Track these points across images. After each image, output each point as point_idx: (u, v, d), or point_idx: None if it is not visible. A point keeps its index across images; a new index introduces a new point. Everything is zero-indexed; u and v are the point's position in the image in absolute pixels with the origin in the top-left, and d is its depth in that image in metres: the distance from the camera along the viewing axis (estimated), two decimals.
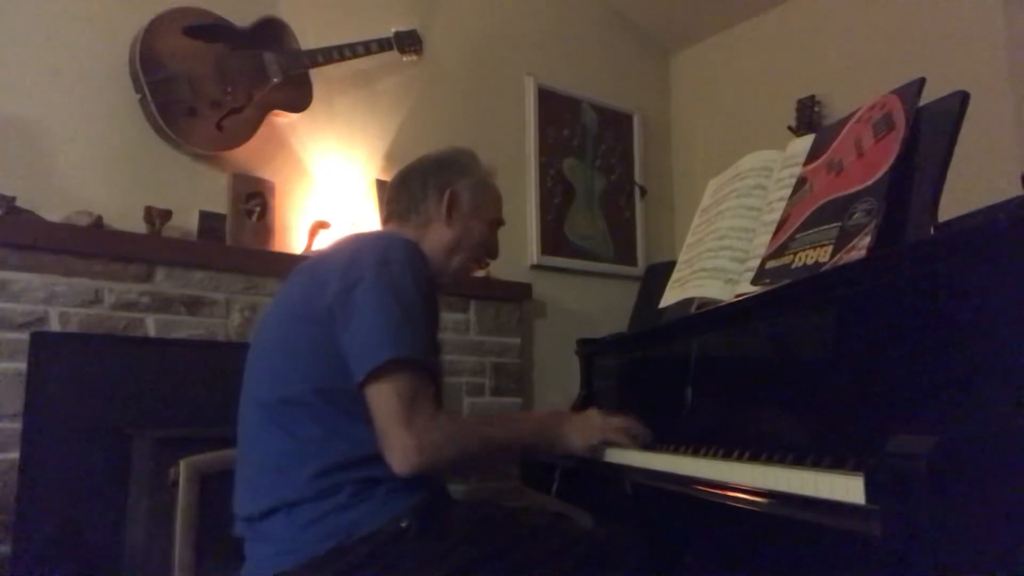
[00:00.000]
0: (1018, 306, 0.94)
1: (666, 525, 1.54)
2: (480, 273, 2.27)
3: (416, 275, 1.27)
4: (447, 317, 2.51)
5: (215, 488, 1.64)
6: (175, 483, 1.67)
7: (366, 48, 2.49)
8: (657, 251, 3.26)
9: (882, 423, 1.03)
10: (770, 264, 1.48)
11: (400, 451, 1.16)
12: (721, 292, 1.63)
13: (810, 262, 1.35)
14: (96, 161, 2.06)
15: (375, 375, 1.18)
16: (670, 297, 1.84)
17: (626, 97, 3.32)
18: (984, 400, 0.92)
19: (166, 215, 2.04)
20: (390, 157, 2.58)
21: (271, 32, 2.32)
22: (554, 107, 3.06)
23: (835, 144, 1.47)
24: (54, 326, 1.85)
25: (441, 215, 1.47)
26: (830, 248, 1.31)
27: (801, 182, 1.53)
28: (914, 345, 1.07)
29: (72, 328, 1.87)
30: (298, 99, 2.36)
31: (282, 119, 2.36)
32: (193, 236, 2.13)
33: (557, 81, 3.08)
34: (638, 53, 3.43)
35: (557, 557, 1.25)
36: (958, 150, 1.23)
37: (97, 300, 1.91)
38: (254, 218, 2.23)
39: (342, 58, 2.44)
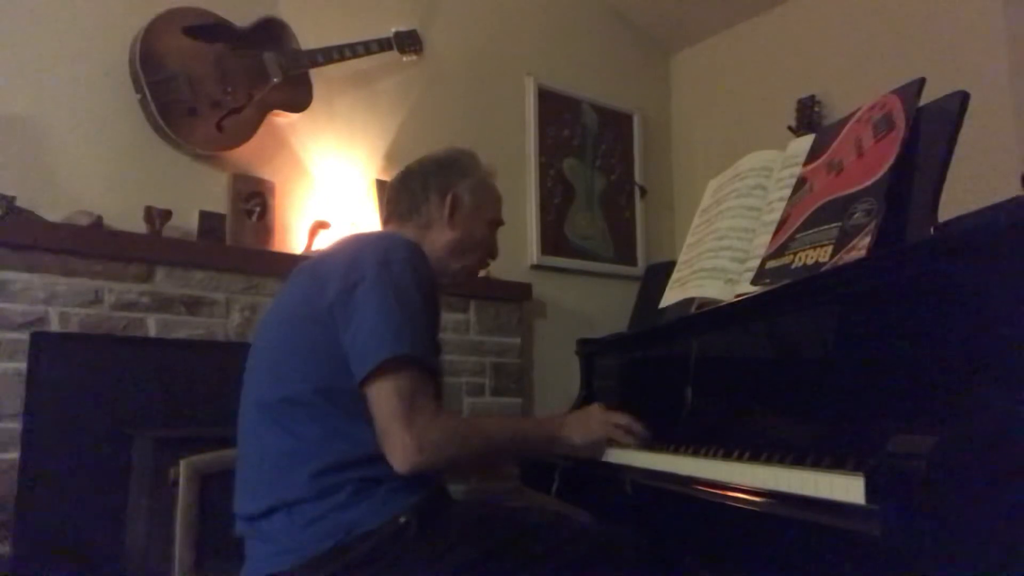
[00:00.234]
0: (1018, 306, 0.95)
1: (666, 525, 1.54)
2: (480, 273, 2.27)
3: (417, 275, 1.27)
4: (447, 317, 2.51)
5: (215, 488, 1.64)
6: (175, 483, 1.67)
7: (366, 48, 2.49)
8: (657, 251, 3.26)
9: (882, 423, 1.03)
10: (770, 264, 1.48)
11: (400, 450, 1.17)
12: (721, 292, 1.63)
13: (810, 262, 1.35)
14: (96, 161, 2.06)
15: (376, 374, 1.18)
16: (670, 297, 1.84)
17: (626, 97, 3.32)
18: (984, 400, 0.92)
19: (166, 215, 2.04)
20: (390, 157, 2.58)
21: (271, 32, 2.32)
22: (554, 107, 3.06)
23: (835, 144, 1.47)
24: (54, 326, 1.85)
25: (443, 217, 1.47)
26: (830, 248, 1.31)
27: (801, 182, 1.53)
28: (914, 345, 1.07)
29: (72, 328, 1.87)
30: (298, 99, 2.36)
31: (282, 119, 2.36)
32: (193, 236, 2.13)
33: (557, 81, 3.08)
34: (638, 53, 3.43)
35: (557, 556, 1.25)
36: (958, 150, 1.23)
37: (97, 300, 1.91)
38: (254, 218, 2.23)
39: (342, 58, 2.44)
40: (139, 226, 2.02)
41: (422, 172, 1.52)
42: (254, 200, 2.24)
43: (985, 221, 1.04)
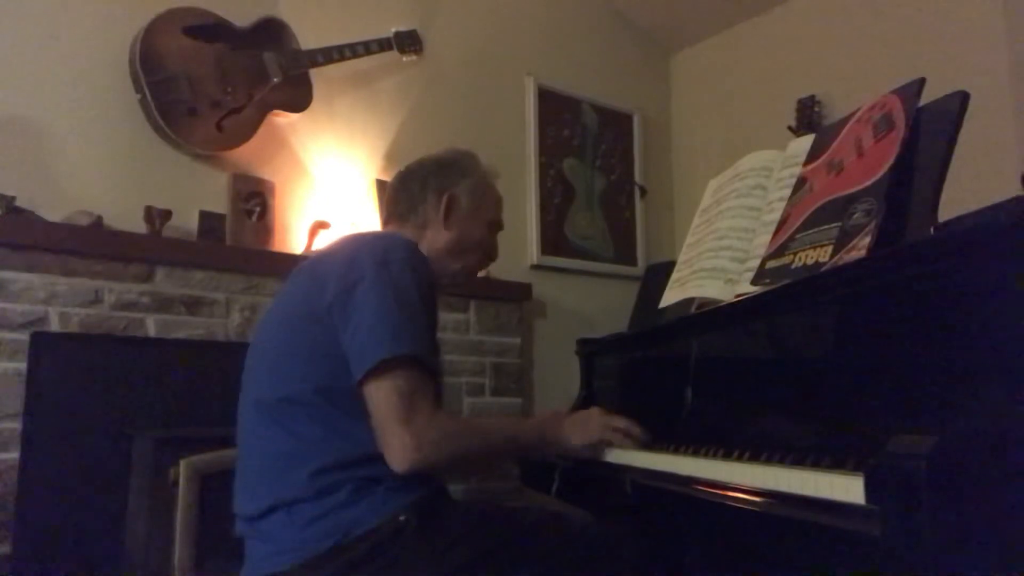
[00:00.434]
0: (1018, 306, 0.94)
1: (666, 525, 1.54)
2: (480, 273, 2.27)
3: (416, 275, 1.27)
4: (447, 317, 2.51)
5: (215, 488, 1.64)
6: (175, 483, 1.67)
7: (366, 48, 2.49)
8: (657, 251, 3.26)
9: (882, 423, 1.03)
10: (770, 264, 1.48)
11: (398, 448, 1.16)
12: (721, 292, 1.63)
13: (810, 262, 1.35)
14: (96, 161, 2.06)
15: (374, 373, 1.18)
16: (670, 297, 1.84)
17: (626, 97, 3.32)
18: (984, 400, 0.92)
19: (166, 215, 2.04)
20: (390, 157, 2.58)
21: (271, 32, 2.33)
22: (554, 107, 3.07)
23: (835, 144, 1.47)
24: (54, 326, 1.85)
25: (439, 217, 1.47)
26: (830, 248, 1.31)
27: (801, 182, 1.53)
28: (914, 345, 1.07)
29: (72, 328, 1.87)
30: (298, 99, 2.36)
31: (282, 119, 2.36)
32: (193, 236, 2.13)
33: (557, 81, 3.08)
34: (638, 53, 3.43)
35: (556, 556, 1.25)
36: (958, 150, 1.23)
37: (97, 300, 1.91)
38: (254, 218, 2.23)
39: (342, 58, 2.44)
40: (139, 226, 2.02)
41: (421, 172, 1.52)
42: (254, 200, 2.24)
43: (985, 221, 1.04)
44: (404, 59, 2.62)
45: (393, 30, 2.58)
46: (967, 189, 1.34)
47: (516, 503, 2.04)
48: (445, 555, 1.18)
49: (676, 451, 1.39)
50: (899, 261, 1.13)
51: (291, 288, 1.37)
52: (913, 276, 1.09)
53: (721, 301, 1.60)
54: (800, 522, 0.98)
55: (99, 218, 1.96)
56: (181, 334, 2.03)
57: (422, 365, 1.22)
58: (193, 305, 2.06)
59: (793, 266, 1.40)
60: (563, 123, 3.10)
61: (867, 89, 1.53)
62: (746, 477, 1.12)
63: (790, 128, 2.71)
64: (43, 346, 1.83)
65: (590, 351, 2.23)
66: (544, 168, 3.00)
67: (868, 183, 1.30)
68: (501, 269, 2.54)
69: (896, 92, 1.35)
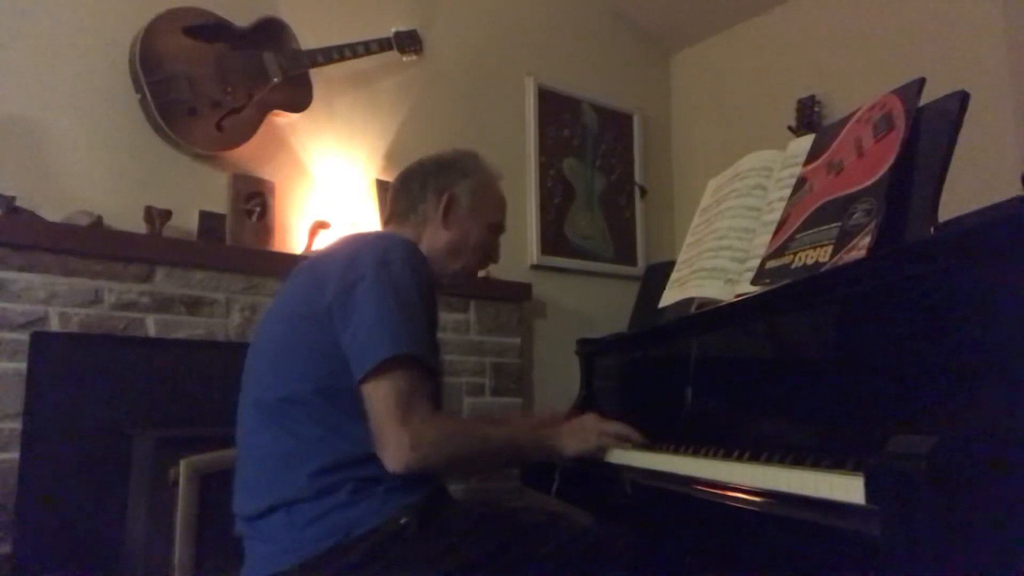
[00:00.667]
0: (1018, 306, 0.94)
1: (666, 525, 1.54)
2: (480, 273, 2.27)
3: (416, 275, 1.27)
4: (447, 317, 2.51)
5: (215, 488, 1.64)
6: (175, 483, 1.67)
7: (366, 48, 2.49)
8: (657, 251, 3.26)
9: (882, 423, 1.03)
10: (770, 264, 1.48)
11: (395, 448, 1.16)
12: (721, 292, 1.63)
13: (810, 262, 1.35)
14: (96, 161, 2.06)
15: (374, 373, 1.18)
16: (670, 297, 1.84)
17: (626, 97, 3.32)
18: (984, 400, 0.92)
19: (166, 215, 2.04)
20: (390, 157, 2.58)
21: (271, 32, 2.33)
22: (554, 107, 3.07)
23: (835, 144, 1.47)
24: (54, 326, 1.85)
25: (438, 217, 1.46)
26: (830, 248, 1.31)
27: (801, 182, 1.53)
28: (914, 345, 1.07)
29: (72, 328, 1.87)
30: (298, 99, 2.36)
31: (282, 119, 2.36)
32: (193, 236, 2.13)
33: (557, 81, 3.08)
34: (638, 53, 3.43)
35: (556, 556, 1.25)
36: (958, 150, 1.23)
37: (97, 300, 1.91)
38: (254, 218, 2.23)
39: (342, 58, 2.44)
40: (139, 226, 2.02)
41: (422, 172, 1.51)
42: (254, 200, 2.24)
43: (985, 221, 1.04)
44: (404, 59, 2.62)
45: (393, 30, 2.58)
46: (967, 189, 1.35)
47: (516, 503, 2.04)
48: (445, 556, 1.18)
49: (676, 451, 1.39)
50: (899, 261, 1.13)
51: (291, 288, 1.37)
52: (913, 276, 1.09)
53: (721, 301, 1.60)
54: (800, 522, 0.98)
55: (99, 218, 1.96)
56: (181, 334, 2.03)
57: (421, 365, 1.22)
58: (193, 305, 2.06)
59: (793, 266, 1.40)
60: (563, 123, 3.10)
61: (867, 89, 1.53)
62: (746, 477, 1.12)
63: (790, 128, 2.71)
64: (43, 346, 1.83)
65: (590, 351, 2.23)
66: (544, 168, 3.00)
67: (868, 183, 1.30)
68: (501, 269, 2.53)
69: (896, 92, 1.35)
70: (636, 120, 3.34)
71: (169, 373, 2.00)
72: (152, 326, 1.99)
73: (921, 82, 1.32)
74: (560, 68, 3.11)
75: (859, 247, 1.23)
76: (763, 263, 1.50)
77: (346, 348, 1.21)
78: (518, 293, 2.73)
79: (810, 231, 1.40)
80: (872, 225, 1.23)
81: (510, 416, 2.10)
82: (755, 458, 1.17)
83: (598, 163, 3.20)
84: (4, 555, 1.72)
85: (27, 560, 1.74)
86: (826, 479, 0.94)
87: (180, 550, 1.65)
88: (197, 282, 2.07)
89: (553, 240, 2.99)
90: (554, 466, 1.78)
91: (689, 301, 1.78)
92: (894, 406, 1.06)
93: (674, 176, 3.50)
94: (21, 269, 1.82)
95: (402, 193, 1.51)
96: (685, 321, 1.73)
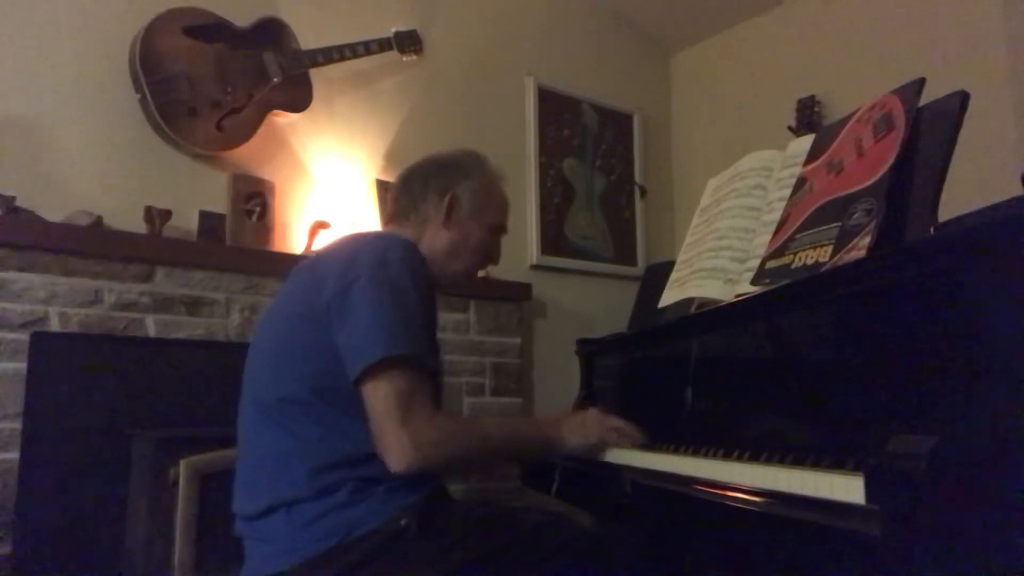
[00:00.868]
0: (1018, 306, 0.94)
1: (666, 525, 1.54)
2: (480, 273, 2.27)
3: (414, 275, 1.27)
4: (447, 317, 2.51)
5: (215, 488, 1.64)
6: (175, 483, 1.67)
7: (366, 48, 2.50)
8: (657, 251, 3.26)
9: (882, 423, 1.03)
10: (770, 264, 1.48)
11: (396, 449, 1.16)
12: (721, 292, 1.63)
13: (810, 262, 1.35)
14: (96, 161, 2.06)
15: (371, 373, 1.18)
16: (670, 297, 1.84)
17: (626, 97, 3.32)
18: (984, 400, 0.92)
19: (166, 215, 2.04)
20: (390, 157, 2.58)
21: (271, 32, 2.33)
22: (554, 107, 3.07)
23: (835, 144, 1.47)
24: (54, 326, 1.85)
25: (439, 217, 1.46)
26: (830, 248, 1.31)
27: (801, 182, 1.53)
28: (914, 345, 1.07)
29: (72, 328, 1.87)
30: (298, 99, 2.36)
31: (282, 119, 2.36)
32: (193, 236, 2.13)
33: (557, 81, 3.08)
34: (638, 53, 3.43)
35: (556, 556, 1.25)
36: (958, 150, 1.23)
37: (97, 300, 1.91)
38: (254, 218, 2.23)
39: (342, 58, 2.44)
40: (139, 226, 2.02)
41: (424, 172, 1.51)
42: (254, 200, 2.24)
43: (985, 221, 1.04)
44: (404, 59, 2.63)
45: (393, 30, 2.58)
46: (967, 189, 1.34)
47: (516, 503, 2.04)
48: (445, 557, 1.18)
49: (676, 451, 1.39)
50: (899, 261, 1.13)
51: (291, 287, 1.37)
52: (913, 276, 1.09)
53: (721, 301, 1.60)
54: (800, 522, 0.98)
55: (99, 218, 1.96)
56: (181, 334, 2.03)
57: (419, 365, 1.22)
58: (193, 305, 2.06)
59: (793, 266, 1.40)
60: (563, 123, 3.10)
61: (867, 89, 1.53)
62: (746, 477, 1.12)
63: (790, 128, 2.71)
64: (43, 346, 1.83)
65: (590, 351, 2.23)
66: (544, 168, 3.00)
67: (868, 183, 1.30)
68: (501, 269, 2.53)
69: (896, 92, 1.35)
70: (636, 120, 3.34)
71: (169, 373, 2.00)
72: (152, 326, 1.99)
73: (921, 82, 1.32)
74: (560, 68, 3.11)
75: (859, 247, 1.23)
76: (763, 263, 1.50)
77: (342, 347, 1.21)
78: (518, 293, 2.73)
79: (810, 231, 1.40)
80: (872, 225, 1.23)
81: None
82: (755, 458, 1.17)
83: (598, 163, 3.20)
84: (4, 555, 1.72)
85: (27, 560, 1.74)
86: (826, 479, 0.94)
87: (180, 550, 1.65)
88: (197, 282, 2.07)
89: (553, 240, 2.99)
90: (554, 466, 1.78)
91: (689, 301, 1.78)
92: (894, 406, 1.06)
93: (674, 176, 3.50)
94: (21, 269, 1.82)
95: (403, 193, 1.51)
96: (685, 321, 1.73)
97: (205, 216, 2.15)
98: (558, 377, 2.73)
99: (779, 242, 1.48)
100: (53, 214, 1.92)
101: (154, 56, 2.09)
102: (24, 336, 1.81)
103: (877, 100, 1.39)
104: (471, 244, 1.49)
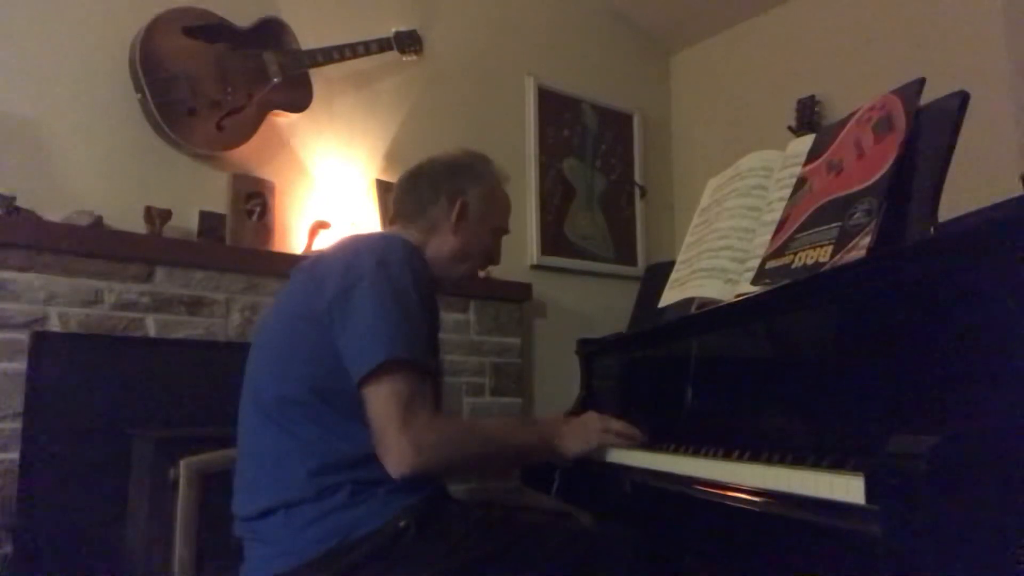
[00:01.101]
0: (1018, 306, 0.94)
1: (666, 525, 1.54)
2: (480, 273, 2.27)
3: (415, 276, 1.26)
4: (447, 317, 2.51)
5: (215, 488, 1.64)
6: (175, 483, 1.67)
7: (366, 48, 2.50)
8: (657, 251, 3.26)
9: (882, 423, 1.03)
10: (770, 264, 1.48)
11: (396, 453, 1.16)
12: (721, 292, 1.63)
13: (810, 262, 1.35)
14: (96, 161, 2.06)
15: (372, 376, 1.18)
16: (670, 297, 1.84)
17: (626, 97, 3.32)
18: (984, 400, 0.92)
19: (166, 215, 2.04)
20: (390, 157, 2.58)
21: (271, 32, 2.33)
22: (554, 107, 3.07)
23: (835, 144, 1.47)
24: (54, 326, 1.85)
25: (449, 222, 1.44)
26: (830, 248, 1.31)
27: (801, 182, 1.53)
28: (914, 345, 1.07)
29: (72, 328, 1.87)
30: (298, 99, 2.36)
31: (282, 119, 2.37)
32: (193, 236, 2.13)
33: (557, 81, 3.08)
34: (638, 53, 3.43)
35: (556, 556, 1.25)
36: (958, 150, 1.23)
37: (97, 300, 1.91)
38: (254, 218, 2.23)
39: (342, 58, 2.44)
40: (139, 226, 2.02)
41: (432, 173, 1.49)
42: (254, 200, 2.24)
43: (985, 221, 1.04)
44: (404, 59, 2.62)
45: (393, 30, 2.58)
46: (967, 189, 1.35)
47: (516, 503, 2.04)
48: (445, 558, 1.18)
49: (676, 451, 1.39)
50: (899, 261, 1.13)
51: (291, 288, 1.37)
52: (913, 276, 1.09)
53: (721, 301, 1.60)
54: (800, 522, 0.98)
55: (99, 218, 1.96)
56: (181, 334, 2.03)
57: (420, 368, 1.22)
58: (193, 305, 2.06)
59: (793, 266, 1.40)
60: (563, 123, 3.10)
61: (867, 89, 1.53)
62: (746, 477, 1.12)
63: (790, 128, 2.71)
64: (43, 346, 1.83)
65: (590, 351, 2.23)
66: (544, 168, 3.00)
67: (868, 183, 1.30)
68: (501, 269, 2.52)
69: (896, 92, 1.35)
70: (636, 120, 3.34)
71: (169, 373, 2.00)
72: (152, 326, 1.99)
73: (921, 82, 1.32)
74: (560, 68, 3.11)
75: (859, 247, 1.23)
76: (763, 263, 1.50)
77: (344, 349, 1.21)
78: (518, 293, 2.73)
79: (810, 231, 1.40)
80: (872, 225, 1.23)
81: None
82: (755, 458, 1.17)
83: (598, 163, 3.20)
84: (4, 555, 1.72)
85: (27, 560, 1.74)
86: (826, 479, 0.94)
87: (180, 550, 1.65)
88: (197, 282, 2.07)
89: (553, 240, 2.99)
90: (554, 466, 1.78)
91: (689, 301, 1.78)
92: (894, 406, 1.06)
93: (674, 176, 3.50)
94: (21, 269, 1.82)
95: (410, 194, 1.49)
96: (685, 321, 1.73)
97: (205, 216, 2.15)
98: (558, 377, 2.73)
99: (779, 242, 1.48)
100: (53, 214, 1.92)
101: (154, 56, 2.09)
102: (24, 336, 1.81)
103: (877, 100, 1.39)
104: (477, 248, 1.49)
